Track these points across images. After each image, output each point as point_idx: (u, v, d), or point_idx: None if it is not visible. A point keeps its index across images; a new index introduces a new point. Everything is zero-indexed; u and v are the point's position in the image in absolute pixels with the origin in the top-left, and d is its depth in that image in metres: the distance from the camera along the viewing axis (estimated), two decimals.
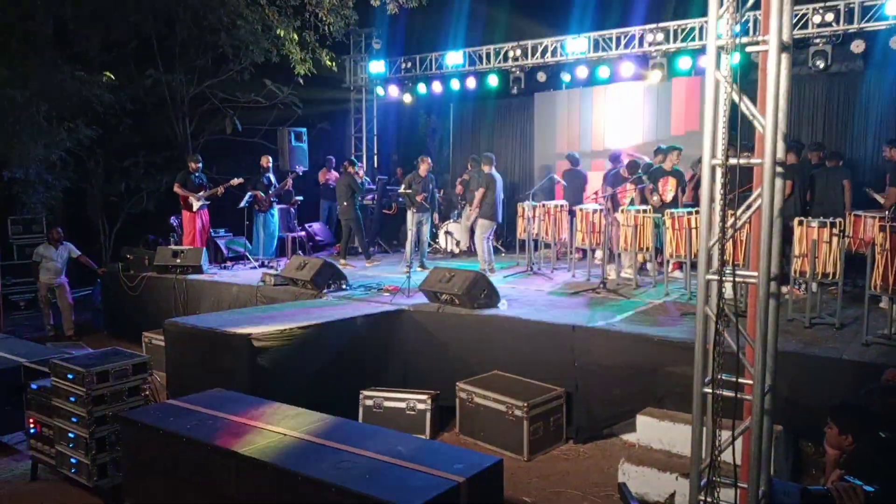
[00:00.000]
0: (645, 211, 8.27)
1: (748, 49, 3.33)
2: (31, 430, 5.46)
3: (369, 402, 6.42)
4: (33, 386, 5.44)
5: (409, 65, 13.87)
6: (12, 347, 6.61)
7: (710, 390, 3.42)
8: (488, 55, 12.87)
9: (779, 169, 3.28)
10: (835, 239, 6.29)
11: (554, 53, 12.19)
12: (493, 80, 12.86)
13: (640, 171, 9.17)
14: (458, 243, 11.67)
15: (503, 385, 6.27)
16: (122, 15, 12.06)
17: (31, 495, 5.30)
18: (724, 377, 3.42)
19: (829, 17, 9.61)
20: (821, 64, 9.79)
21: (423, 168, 10.32)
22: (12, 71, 10.77)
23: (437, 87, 13.58)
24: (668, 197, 8.69)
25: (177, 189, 10.55)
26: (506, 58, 12.63)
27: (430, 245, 11.47)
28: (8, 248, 10.89)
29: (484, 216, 9.78)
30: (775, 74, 3.20)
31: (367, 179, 13.57)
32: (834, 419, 3.70)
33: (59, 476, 5.32)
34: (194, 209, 10.48)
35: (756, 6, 3.38)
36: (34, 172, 11.74)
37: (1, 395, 5.91)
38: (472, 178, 11.05)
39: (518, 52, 12.45)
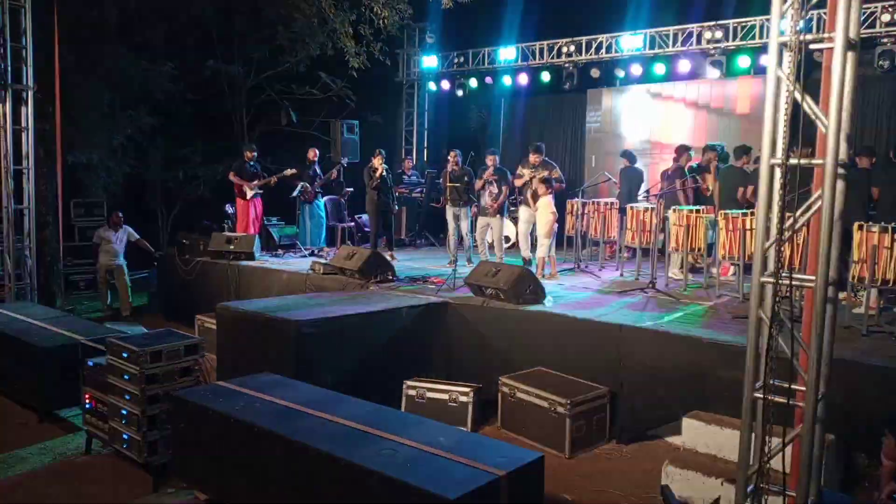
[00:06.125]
0: (698, 211, 8.11)
1: (812, 46, 3.24)
2: (87, 406, 5.64)
3: (412, 392, 6.46)
4: (90, 363, 5.61)
5: (462, 60, 13.89)
6: (71, 325, 6.88)
7: (761, 395, 3.35)
8: (541, 51, 12.80)
9: (841, 170, 3.19)
10: None
11: (609, 49, 12.04)
12: (545, 76, 12.80)
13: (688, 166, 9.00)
14: (507, 239, 11.56)
15: (546, 381, 6.24)
16: (183, 6, 12.38)
17: (85, 468, 5.48)
18: (775, 383, 3.34)
19: None
20: (886, 64, 9.45)
21: (450, 163, 10.12)
22: (80, 58, 11.13)
23: (488, 81, 13.59)
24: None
25: (231, 177, 10.76)
26: (559, 54, 12.53)
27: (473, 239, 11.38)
28: (70, 230, 11.25)
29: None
30: (840, 73, 3.11)
31: (416, 173, 13.69)
32: (892, 430, 3.59)
33: (112, 451, 5.50)
34: (248, 197, 10.70)
35: (821, 4, 3.29)
36: (97, 157, 12.12)
37: (59, 370, 6.12)
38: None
39: (572, 47, 12.34)
